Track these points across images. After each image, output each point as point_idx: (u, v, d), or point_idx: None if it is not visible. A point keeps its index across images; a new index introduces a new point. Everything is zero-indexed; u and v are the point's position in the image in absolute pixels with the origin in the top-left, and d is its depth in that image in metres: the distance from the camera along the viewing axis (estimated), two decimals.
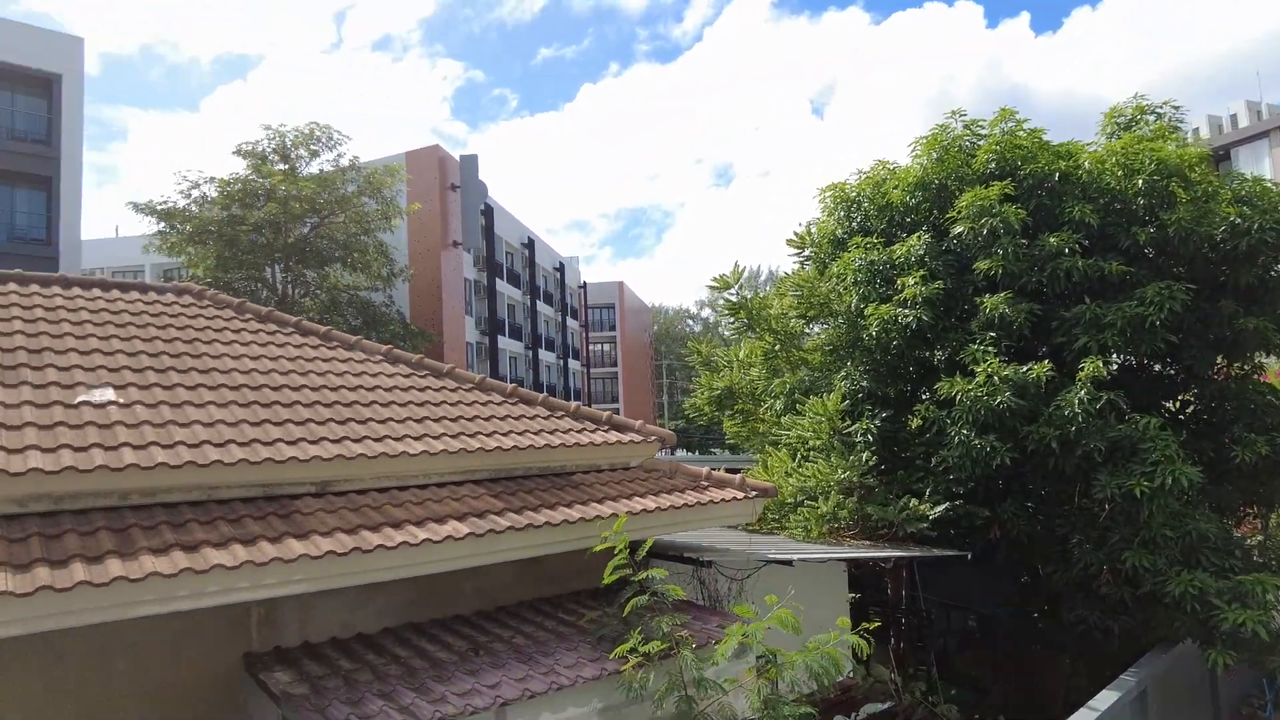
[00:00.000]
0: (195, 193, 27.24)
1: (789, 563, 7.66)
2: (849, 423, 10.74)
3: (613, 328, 70.43)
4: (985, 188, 10.44)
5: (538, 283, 51.68)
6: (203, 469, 5.17)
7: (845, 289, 11.47)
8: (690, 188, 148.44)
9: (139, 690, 5.03)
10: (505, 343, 45.25)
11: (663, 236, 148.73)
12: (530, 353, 49.23)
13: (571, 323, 59.92)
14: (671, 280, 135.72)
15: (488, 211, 42.53)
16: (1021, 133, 11.41)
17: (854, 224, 12.43)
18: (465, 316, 40.39)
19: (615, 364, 69.86)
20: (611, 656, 5.07)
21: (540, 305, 51.89)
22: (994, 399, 9.33)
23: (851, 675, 7.91)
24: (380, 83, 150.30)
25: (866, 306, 10.90)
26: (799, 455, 11.24)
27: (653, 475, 7.36)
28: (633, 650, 4.96)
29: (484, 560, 5.58)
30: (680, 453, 49.71)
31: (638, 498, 6.58)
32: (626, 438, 7.47)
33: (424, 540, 5.12)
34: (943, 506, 9.88)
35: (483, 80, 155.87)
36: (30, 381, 5.79)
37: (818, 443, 10.76)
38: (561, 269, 57.68)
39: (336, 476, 5.82)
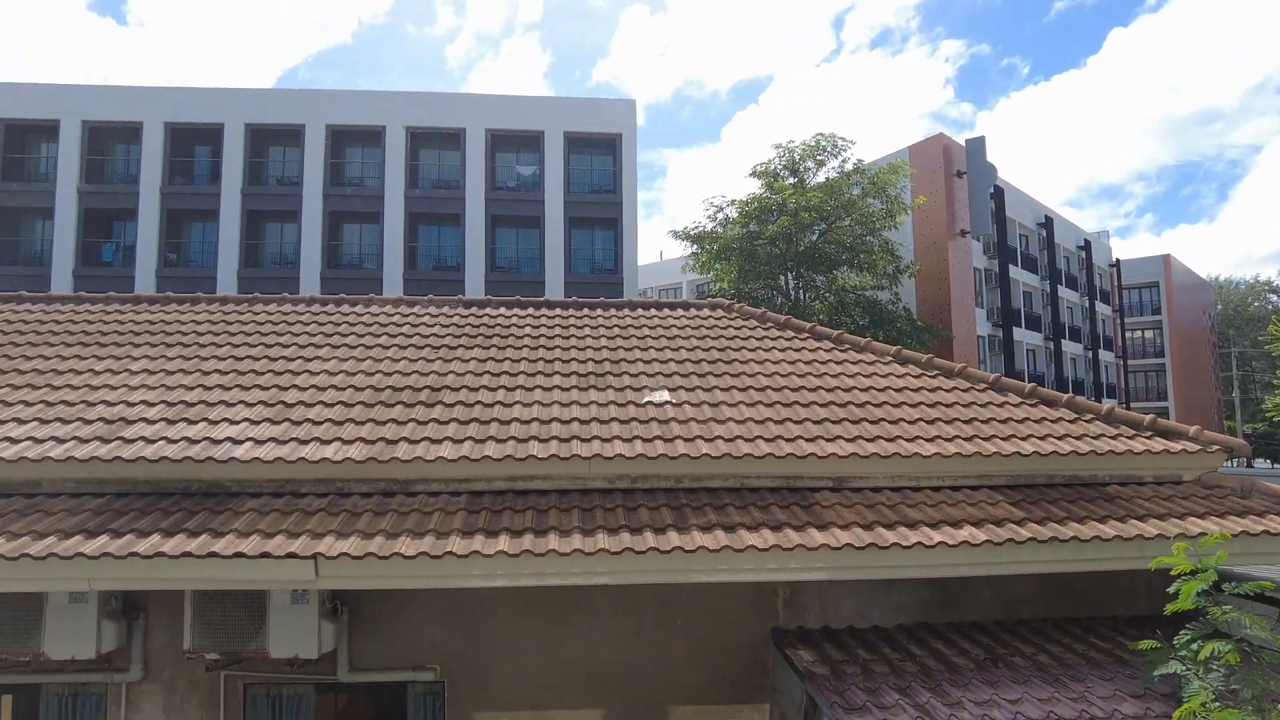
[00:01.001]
0: (719, 216, 30.91)
1: None
2: None
3: (1157, 311, 59.78)
4: None
5: (1058, 265, 46.53)
6: (736, 461, 5.95)
7: None
8: (1270, 126, 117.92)
9: (689, 642, 6.03)
10: (1021, 334, 41.74)
11: (1228, 193, 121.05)
12: (1051, 344, 44.55)
13: (1102, 308, 52.52)
14: (1242, 247, 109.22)
15: (997, 194, 39.80)
16: None
17: None
18: (975, 309, 38.39)
19: (1161, 354, 59.15)
20: (1176, 717, 4.27)
21: (1061, 290, 46.60)
22: None
23: None
24: (880, 79, 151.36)
25: None
26: None
27: (1215, 492, 6.16)
28: (1204, 707, 4.18)
29: (1000, 570, 5.34)
30: (1260, 464, 39.97)
31: (1193, 518, 5.58)
32: (1176, 446, 6.38)
33: (939, 543, 5.12)
34: None
35: (988, 53, 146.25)
36: (613, 385, 7.35)
37: None
38: (1087, 247, 50.98)
39: (851, 473, 6.15)
